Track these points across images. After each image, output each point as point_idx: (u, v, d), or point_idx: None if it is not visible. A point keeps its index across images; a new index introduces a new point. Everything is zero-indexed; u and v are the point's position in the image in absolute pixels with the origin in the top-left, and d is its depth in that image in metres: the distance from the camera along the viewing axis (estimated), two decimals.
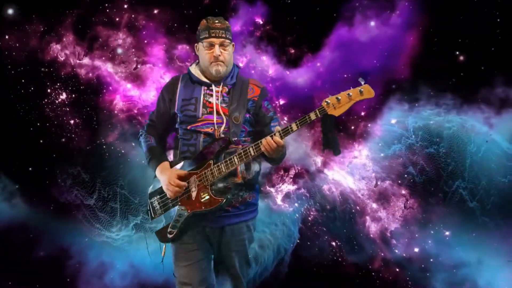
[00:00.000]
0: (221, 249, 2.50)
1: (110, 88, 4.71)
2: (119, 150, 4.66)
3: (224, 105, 2.46)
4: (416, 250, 4.65)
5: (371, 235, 4.79)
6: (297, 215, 4.93)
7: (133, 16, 4.68)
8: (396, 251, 4.71)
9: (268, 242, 4.81)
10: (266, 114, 2.53)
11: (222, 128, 2.43)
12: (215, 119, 2.44)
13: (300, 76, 4.77)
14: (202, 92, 2.49)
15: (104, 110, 4.68)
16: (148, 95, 4.80)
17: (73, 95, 4.62)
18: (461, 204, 4.56)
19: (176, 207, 2.41)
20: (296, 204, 4.92)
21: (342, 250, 4.85)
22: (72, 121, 4.62)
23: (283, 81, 4.82)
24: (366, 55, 4.68)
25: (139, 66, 4.77)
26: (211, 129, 2.43)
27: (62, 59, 4.55)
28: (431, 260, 4.58)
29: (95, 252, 4.60)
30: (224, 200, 2.31)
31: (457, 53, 4.70)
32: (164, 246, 2.51)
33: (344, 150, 4.78)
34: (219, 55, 2.42)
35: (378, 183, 4.81)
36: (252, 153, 2.28)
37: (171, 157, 2.67)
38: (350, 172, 4.83)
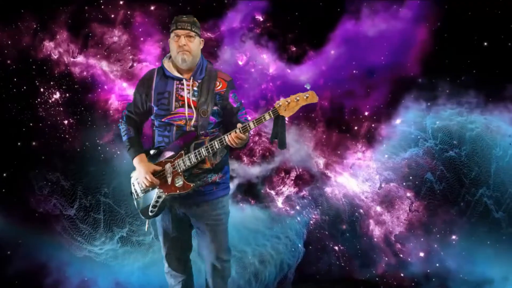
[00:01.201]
0: (199, 224, 2.84)
1: (105, 87, 4.54)
2: (106, 153, 4.41)
3: (194, 98, 2.73)
4: (436, 264, 4.29)
5: (375, 239, 4.46)
6: (298, 218, 4.59)
7: (128, 12, 4.52)
8: (401, 255, 4.39)
9: (270, 257, 4.45)
10: (233, 105, 2.78)
11: (193, 121, 2.71)
12: (186, 112, 2.71)
13: (302, 74, 4.50)
14: (175, 86, 2.75)
15: (99, 110, 4.50)
16: None
17: (67, 94, 4.47)
18: (485, 215, 4.16)
19: (155, 190, 2.78)
20: (297, 207, 4.60)
21: (346, 254, 4.54)
22: (66, 121, 4.46)
23: (284, 79, 4.57)
24: (374, 50, 4.38)
25: (135, 65, 4.60)
26: (183, 121, 2.72)
27: (55, 57, 4.42)
28: (437, 264, 4.26)
29: (76, 269, 4.21)
30: (194, 185, 2.69)
31: (485, 44, 4.31)
32: (147, 222, 2.95)
33: (347, 151, 4.49)
34: (184, 44, 2.68)
35: (382, 185, 4.43)
36: (217, 146, 2.63)
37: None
38: (354, 174, 4.49)
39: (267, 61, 4.60)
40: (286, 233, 4.57)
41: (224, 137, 2.62)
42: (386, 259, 4.44)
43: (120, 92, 4.59)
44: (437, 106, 4.41)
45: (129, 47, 4.56)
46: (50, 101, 4.45)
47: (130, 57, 4.58)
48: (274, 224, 4.58)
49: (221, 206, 2.85)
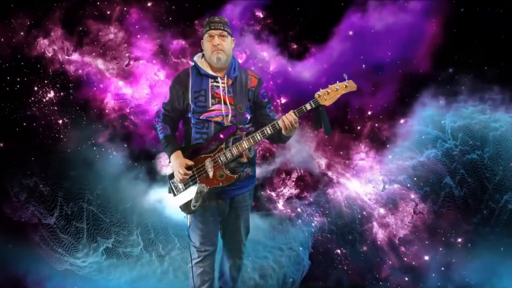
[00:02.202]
0: (229, 216, 3.01)
1: (101, 85, 4.38)
2: (93, 155, 4.19)
3: (229, 95, 2.87)
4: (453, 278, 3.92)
5: (378, 242, 4.14)
6: (301, 225, 4.24)
7: (125, 9, 4.38)
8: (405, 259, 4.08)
9: (272, 270, 4.12)
10: (262, 100, 2.97)
11: (230, 117, 2.85)
12: (223, 109, 2.85)
13: (304, 72, 4.24)
14: (210, 84, 2.89)
15: (94, 109, 4.34)
16: (141, 93, 4.42)
17: (61, 93, 4.32)
18: (510, 223, 3.77)
19: (197, 184, 2.87)
20: (299, 211, 4.27)
21: (348, 257, 4.24)
22: (60, 121, 4.31)
23: (285, 77, 4.31)
24: (381, 45, 4.09)
25: (131, 62, 4.43)
26: (220, 118, 2.85)
27: (49, 55, 4.30)
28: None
29: (56, 283, 3.93)
30: (237, 176, 2.86)
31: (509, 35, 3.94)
32: (189, 217, 2.96)
33: (350, 151, 4.21)
34: (218, 44, 2.83)
35: (388, 187, 4.02)
36: (259, 138, 2.78)
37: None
38: (359, 176, 4.15)
39: (268, 58, 4.37)
40: (289, 244, 4.22)
41: (277, 122, 2.73)
42: (390, 262, 4.12)
43: (116, 91, 4.43)
44: (457, 103, 4.05)
45: (125, 45, 4.41)
46: (44, 100, 4.31)
47: (127, 54, 4.42)
48: (276, 234, 4.23)
49: (249, 197, 3.08)
